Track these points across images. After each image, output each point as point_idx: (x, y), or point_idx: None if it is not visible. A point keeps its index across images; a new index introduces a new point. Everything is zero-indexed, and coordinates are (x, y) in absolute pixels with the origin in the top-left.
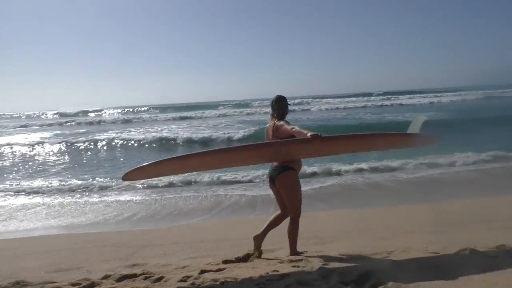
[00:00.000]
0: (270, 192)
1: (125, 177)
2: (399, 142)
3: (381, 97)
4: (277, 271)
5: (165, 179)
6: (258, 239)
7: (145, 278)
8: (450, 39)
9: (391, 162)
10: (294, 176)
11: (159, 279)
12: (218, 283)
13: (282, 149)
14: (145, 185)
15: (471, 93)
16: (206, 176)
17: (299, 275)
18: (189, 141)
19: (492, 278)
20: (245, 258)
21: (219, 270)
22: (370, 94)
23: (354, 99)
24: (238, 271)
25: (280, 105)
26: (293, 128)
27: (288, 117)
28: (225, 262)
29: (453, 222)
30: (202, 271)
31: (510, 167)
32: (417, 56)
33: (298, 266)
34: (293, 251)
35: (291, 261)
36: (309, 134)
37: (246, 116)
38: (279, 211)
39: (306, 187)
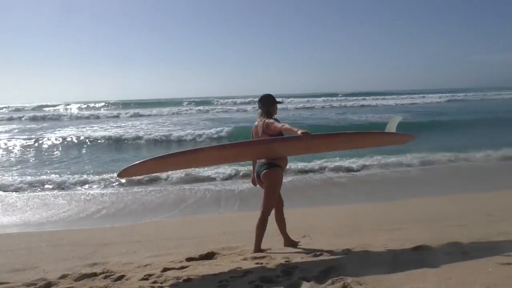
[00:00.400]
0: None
1: (121, 174)
2: (382, 141)
3: (346, 97)
4: (241, 268)
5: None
6: (288, 242)
7: (105, 277)
8: (419, 41)
9: (349, 161)
10: (279, 174)
11: (120, 277)
12: (181, 280)
13: (273, 146)
14: (109, 181)
15: (435, 96)
16: (174, 173)
17: (262, 272)
18: (158, 140)
19: (446, 273)
20: (209, 256)
21: (182, 268)
22: (335, 94)
23: (319, 99)
24: (201, 268)
25: (263, 103)
26: (283, 125)
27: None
28: (189, 259)
29: (410, 220)
30: (165, 269)
31: (460, 167)
32: (384, 58)
33: (261, 263)
34: (257, 247)
35: (254, 258)
36: (299, 132)
37: (211, 114)
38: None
39: None
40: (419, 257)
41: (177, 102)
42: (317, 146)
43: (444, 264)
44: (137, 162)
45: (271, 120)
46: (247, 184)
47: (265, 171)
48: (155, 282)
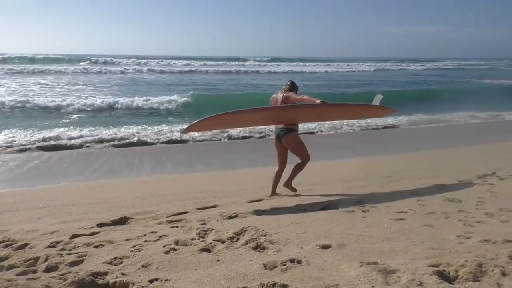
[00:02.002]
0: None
1: (188, 129)
2: (373, 113)
3: (259, 63)
4: (155, 232)
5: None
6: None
7: (6, 246)
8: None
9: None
10: (297, 136)
11: (23, 246)
12: (92, 247)
13: (296, 111)
14: (10, 145)
15: (365, 64)
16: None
17: (177, 236)
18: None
19: (348, 229)
20: (122, 221)
21: (93, 234)
22: (245, 60)
23: (228, 62)
24: (113, 234)
25: (293, 85)
26: (302, 96)
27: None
28: (100, 225)
29: (321, 182)
30: (74, 236)
31: (367, 132)
32: (300, 24)
33: (177, 227)
34: (289, 183)
35: (170, 222)
36: (318, 101)
37: (121, 75)
38: (277, 168)
39: (184, 149)
40: (326, 215)
41: (72, 60)
42: (328, 113)
43: (347, 221)
44: (203, 118)
45: (290, 93)
46: (163, 147)
47: (284, 136)
48: (63, 249)
